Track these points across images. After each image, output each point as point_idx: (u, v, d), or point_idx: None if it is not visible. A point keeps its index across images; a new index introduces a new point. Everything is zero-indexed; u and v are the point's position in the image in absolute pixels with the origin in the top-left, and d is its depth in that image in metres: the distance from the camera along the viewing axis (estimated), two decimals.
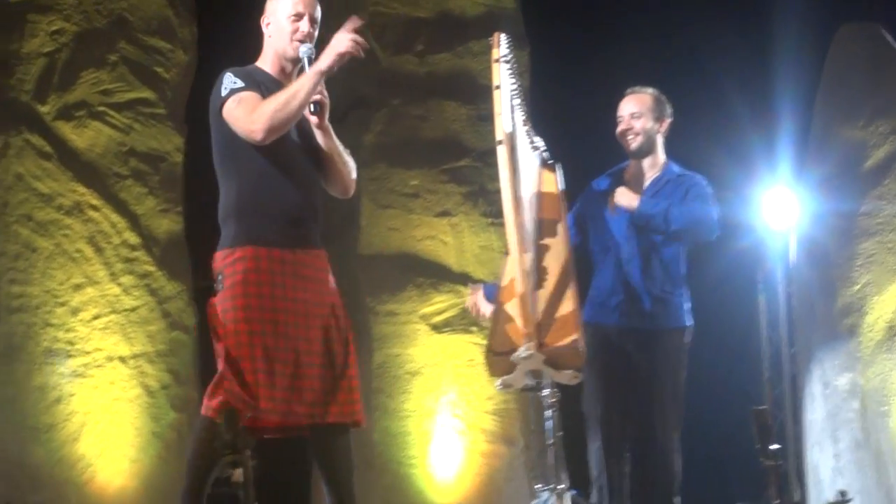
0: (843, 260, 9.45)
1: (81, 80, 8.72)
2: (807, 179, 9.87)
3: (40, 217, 8.52)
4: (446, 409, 9.25)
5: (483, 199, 9.52)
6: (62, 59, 8.70)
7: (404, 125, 9.60)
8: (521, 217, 5.88)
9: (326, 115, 5.26)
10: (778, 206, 10.15)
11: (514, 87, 5.99)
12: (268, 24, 5.34)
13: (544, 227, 6.05)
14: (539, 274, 5.89)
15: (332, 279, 5.35)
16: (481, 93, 9.51)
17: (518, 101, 6.02)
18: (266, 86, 5.19)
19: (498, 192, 9.03)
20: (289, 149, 5.20)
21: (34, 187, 8.52)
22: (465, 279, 9.36)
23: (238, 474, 4.45)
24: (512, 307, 5.81)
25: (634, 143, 6.55)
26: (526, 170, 6.06)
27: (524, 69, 9.23)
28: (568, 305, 5.81)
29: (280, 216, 5.13)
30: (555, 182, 6.22)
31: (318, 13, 5.35)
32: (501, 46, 5.92)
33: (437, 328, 9.36)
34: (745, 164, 10.40)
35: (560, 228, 6.06)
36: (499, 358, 5.82)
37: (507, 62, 5.92)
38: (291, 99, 5.06)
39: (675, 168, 6.62)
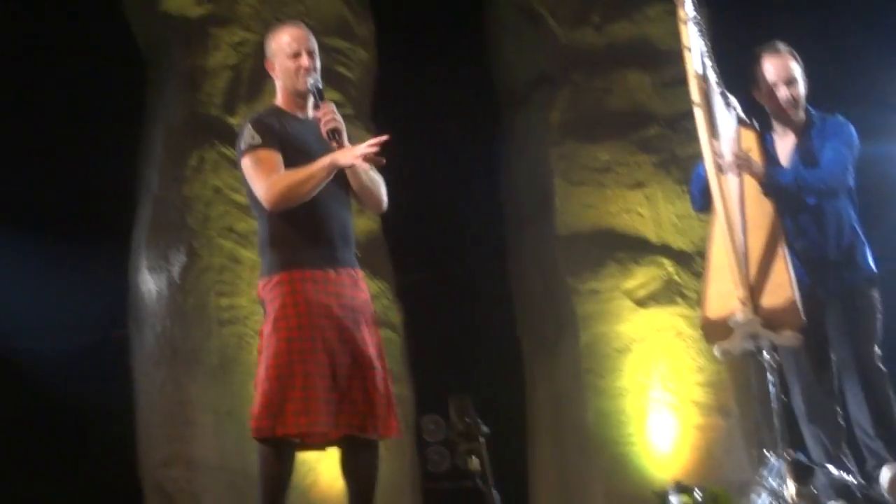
0: None
1: (268, 88, 8.74)
2: None
3: (241, 228, 8.65)
4: (658, 384, 9.13)
5: (675, 166, 9.37)
6: (247, 69, 8.82)
7: (589, 99, 9.51)
8: (723, 178, 5.78)
9: (344, 139, 5.37)
10: None
11: (705, 47, 5.86)
12: (272, 66, 5.56)
13: (747, 186, 5.93)
14: (747, 235, 5.77)
15: (368, 297, 5.51)
16: (663, 58, 9.42)
17: (709, 60, 5.89)
18: (285, 129, 5.40)
19: (690, 157, 9.05)
20: (324, 189, 5.35)
21: (233, 199, 8.65)
22: (664, 250, 9.28)
23: (475, 463, 4.47)
24: (723, 271, 5.72)
25: (798, 114, 6.16)
26: (724, 129, 5.93)
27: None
28: (780, 265, 5.72)
29: (310, 240, 5.33)
30: (755, 140, 6.07)
31: (314, 44, 5.54)
32: (688, 6, 5.81)
33: (641, 302, 9.25)
34: None
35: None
36: (715, 324, 5.72)
37: (695, 21, 5.79)
38: (305, 182, 5.27)
39: (816, 120, 6.24)
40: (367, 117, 9.11)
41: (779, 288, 5.65)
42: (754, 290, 5.64)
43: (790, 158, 6.09)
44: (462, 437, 4.40)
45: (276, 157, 5.31)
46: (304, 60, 5.44)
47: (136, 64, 9.41)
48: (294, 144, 5.36)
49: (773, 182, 5.90)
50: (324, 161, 5.26)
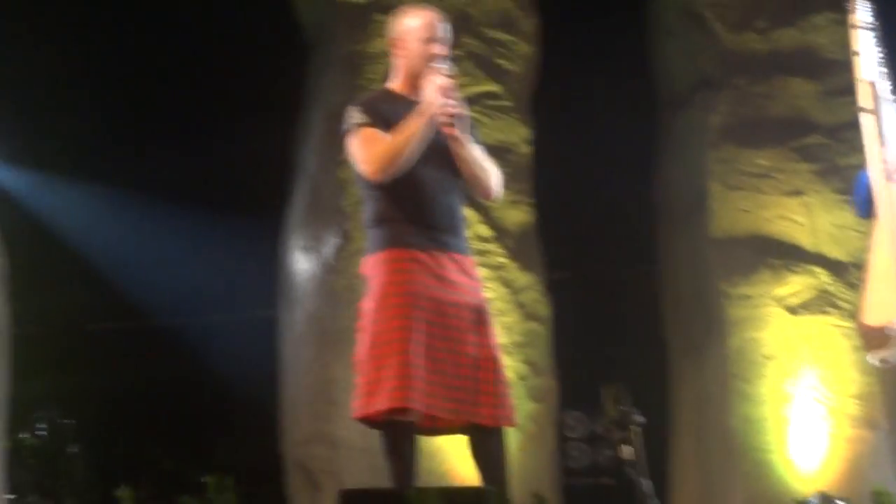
0: None
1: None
2: None
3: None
4: (806, 393, 9.04)
5: (835, 175, 9.26)
6: None
7: (750, 104, 9.42)
8: (889, 185, 5.71)
9: (462, 127, 5.29)
10: None
11: (877, 53, 5.79)
12: (398, 46, 5.48)
13: None
14: None
15: (477, 284, 5.42)
16: (827, 67, 9.33)
17: (881, 67, 5.82)
18: (395, 111, 5.31)
19: (850, 168, 8.95)
20: (423, 160, 5.30)
21: None
22: (819, 259, 9.17)
23: (628, 451, 4.47)
24: (884, 279, 5.64)
25: None
26: (892, 138, 5.85)
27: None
28: None
29: (414, 221, 5.28)
30: None
31: (447, 32, 5.46)
32: (860, 11, 5.75)
33: (792, 310, 9.15)
34: None
35: None
36: (873, 331, 5.66)
37: (867, 27, 5.73)
38: (403, 145, 5.22)
39: None
40: (526, 111, 9.14)
41: None
42: None
43: None
44: (616, 426, 4.40)
45: (376, 133, 5.27)
46: (438, 47, 5.39)
47: (300, 46, 9.55)
48: (395, 122, 5.28)
49: None
50: (417, 116, 5.21)
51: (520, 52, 9.16)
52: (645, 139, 10.00)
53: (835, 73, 9.29)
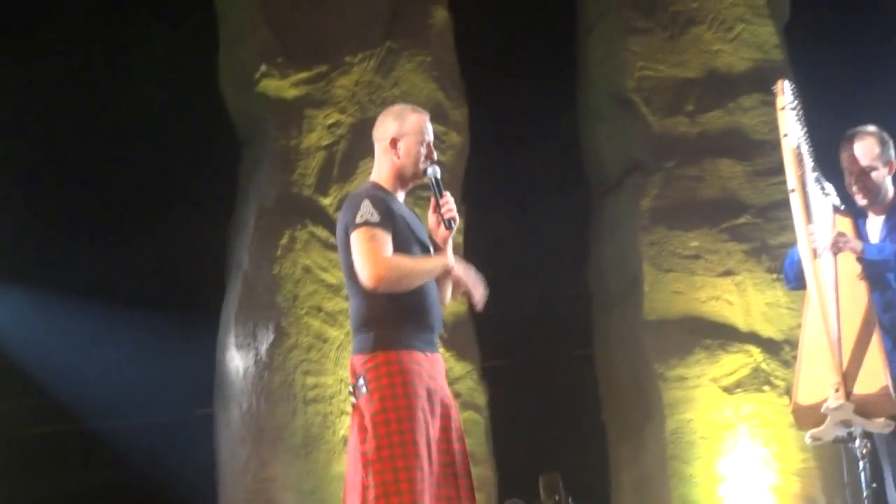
0: None
1: (360, 170, 8.91)
2: None
3: (330, 307, 8.71)
4: (744, 472, 9.04)
5: (766, 255, 9.33)
6: (341, 150, 8.93)
7: (680, 187, 9.50)
8: (818, 263, 5.77)
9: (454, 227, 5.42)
10: None
11: (802, 134, 5.89)
12: (392, 145, 5.42)
13: (841, 272, 5.91)
14: (841, 321, 5.74)
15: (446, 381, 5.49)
16: (756, 148, 9.44)
17: (806, 147, 5.91)
18: (396, 208, 5.34)
19: (781, 246, 9.03)
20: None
21: (322, 279, 8.73)
22: (753, 338, 9.21)
23: None
24: (817, 357, 5.70)
25: (865, 199, 6.15)
26: (819, 215, 5.93)
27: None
28: (874, 351, 5.68)
29: (416, 323, 5.28)
30: (850, 226, 6.07)
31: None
32: (786, 94, 5.85)
33: (728, 390, 9.17)
34: None
35: (858, 273, 5.91)
36: (807, 410, 5.69)
37: (792, 109, 5.83)
38: (419, 276, 5.28)
39: None
40: (458, 199, 9.14)
41: (872, 375, 5.61)
42: (847, 377, 5.60)
43: (880, 236, 6.09)
44: None
45: (388, 240, 5.24)
46: (432, 149, 5.44)
47: (232, 142, 9.55)
48: (401, 226, 5.32)
49: (871, 256, 5.90)
50: (440, 261, 5.32)
51: (451, 142, 9.21)
52: (579, 224, 10.06)
53: (763, 153, 9.41)
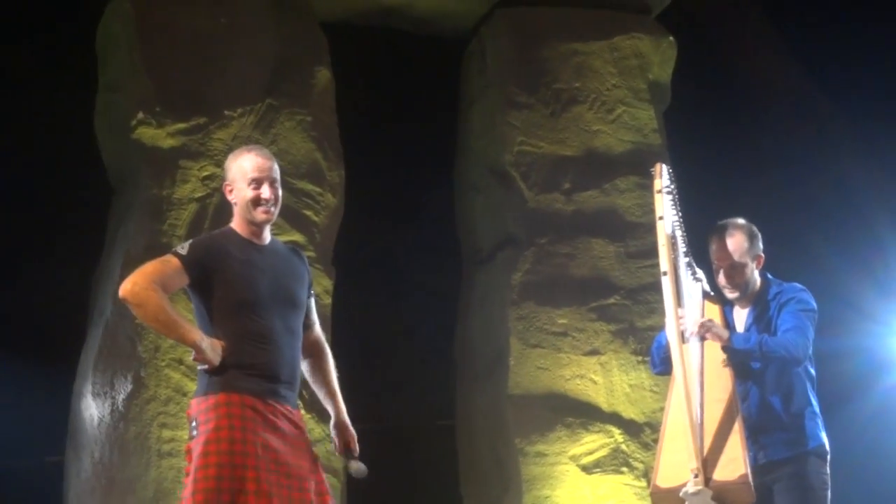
0: None
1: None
2: None
3: (191, 361, 8.50)
4: None
5: (633, 336, 9.39)
6: (213, 203, 8.82)
7: (552, 263, 9.52)
8: (685, 347, 5.81)
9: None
10: None
11: (677, 218, 5.95)
12: (230, 190, 5.46)
13: (707, 359, 5.95)
14: (704, 407, 5.78)
15: (307, 437, 5.42)
16: (629, 230, 9.52)
17: (680, 232, 5.96)
18: (231, 253, 5.30)
19: (648, 329, 9.10)
20: (270, 318, 5.29)
21: None
22: (615, 419, 9.24)
23: None
24: (678, 440, 5.71)
25: (733, 293, 6.25)
26: (689, 299, 5.98)
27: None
28: (735, 439, 5.72)
29: (253, 370, 5.20)
30: (719, 313, 6.12)
31: (277, 173, 5.45)
32: (663, 177, 5.91)
33: (586, 469, 9.17)
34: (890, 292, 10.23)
35: (723, 361, 5.95)
36: (665, 493, 5.70)
37: (669, 192, 5.89)
38: (158, 322, 5.23)
39: (773, 288, 6.29)
40: (329, 261, 9.10)
41: (732, 462, 5.64)
42: (707, 463, 5.62)
43: (745, 325, 6.16)
44: None
45: (178, 277, 5.22)
46: (266, 191, 5.34)
47: (103, 189, 9.40)
48: (235, 270, 5.26)
49: (737, 346, 5.94)
50: (193, 337, 5.19)
51: (326, 203, 9.15)
52: (448, 296, 10.05)
53: (636, 236, 9.50)
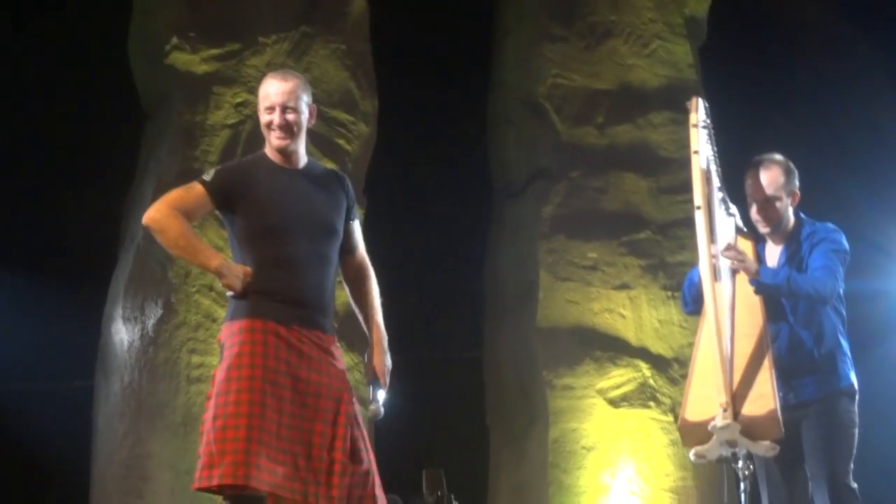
0: None
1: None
2: None
3: (220, 287, 8.54)
4: (623, 486, 9.07)
5: (663, 272, 9.39)
6: (246, 130, 8.82)
7: (583, 197, 9.51)
8: (717, 284, 5.78)
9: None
10: None
11: (712, 153, 5.90)
12: (258, 115, 5.39)
13: (739, 295, 5.93)
14: (735, 343, 5.76)
15: (339, 364, 5.31)
16: (661, 165, 9.49)
17: (715, 167, 5.92)
18: (256, 177, 5.24)
19: (678, 265, 9.09)
20: (299, 234, 5.23)
21: None
22: (643, 354, 9.26)
23: None
24: (707, 375, 5.69)
25: (767, 227, 6.17)
26: (722, 235, 5.94)
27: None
28: (765, 375, 5.69)
29: (277, 295, 5.14)
30: (752, 249, 6.08)
31: (298, 100, 5.29)
32: (699, 111, 5.86)
33: (613, 403, 9.21)
34: None
35: (755, 297, 5.93)
36: (693, 427, 5.69)
37: (705, 127, 5.83)
38: (175, 246, 5.19)
39: (806, 227, 6.23)
40: (360, 191, 9.10)
41: (761, 398, 5.61)
42: (736, 398, 5.60)
43: (778, 263, 6.12)
44: None
45: (202, 203, 5.19)
46: (277, 117, 5.25)
47: (136, 114, 9.41)
48: (257, 192, 5.21)
49: (764, 279, 5.92)
50: (214, 263, 5.16)
51: (358, 132, 9.14)
52: (480, 227, 10.04)
53: (669, 171, 9.46)
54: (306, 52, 9.10)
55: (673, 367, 9.19)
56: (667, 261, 9.36)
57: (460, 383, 10.06)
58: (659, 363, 9.25)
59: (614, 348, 9.28)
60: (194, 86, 8.86)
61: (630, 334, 9.31)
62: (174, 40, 8.89)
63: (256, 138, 8.64)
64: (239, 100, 8.88)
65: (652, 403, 9.18)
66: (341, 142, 9.07)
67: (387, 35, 9.58)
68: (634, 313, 9.34)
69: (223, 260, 5.20)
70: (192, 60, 8.90)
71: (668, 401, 9.11)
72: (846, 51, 11.77)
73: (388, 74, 9.47)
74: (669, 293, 9.29)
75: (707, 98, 8.97)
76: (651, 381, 9.22)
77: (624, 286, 9.39)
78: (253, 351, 5.08)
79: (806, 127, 10.45)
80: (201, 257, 5.22)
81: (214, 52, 8.92)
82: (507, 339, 9.67)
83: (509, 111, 9.99)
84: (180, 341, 8.52)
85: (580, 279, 9.39)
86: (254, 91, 8.81)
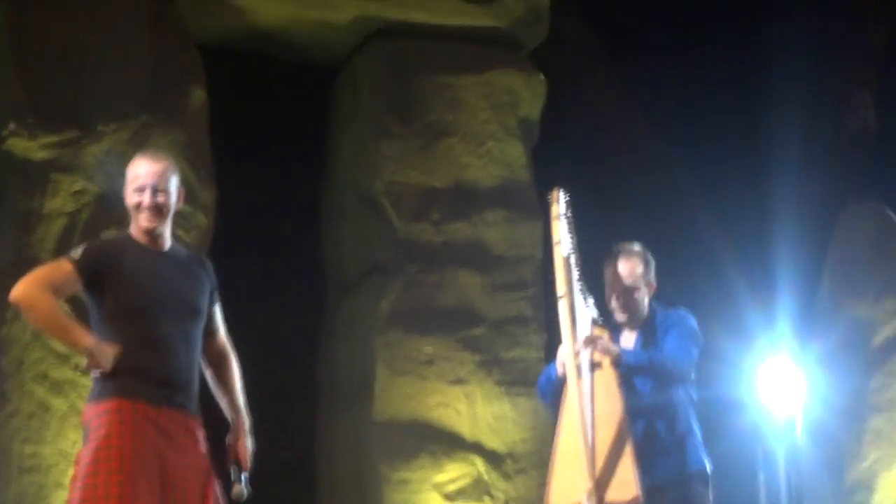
0: (850, 436, 9.49)
1: None
2: (811, 354, 9.96)
3: (56, 376, 8.45)
4: None
5: (497, 368, 9.50)
6: (83, 218, 8.73)
7: (420, 293, 9.60)
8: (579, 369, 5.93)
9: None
10: (780, 381, 10.10)
11: (571, 243, 6.06)
12: (125, 198, 5.45)
13: (598, 384, 6.08)
14: (597, 430, 5.90)
15: (202, 446, 5.31)
16: (495, 263, 9.65)
17: (574, 257, 6.08)
18: (124, 257, 5.28)
19: (512, 361, 9.23)
20: (165, 324, 5.25)
21: (50, 346, 8.46)
22: (477, 449, 9.33)
23: None
24: (570, 462, 5.81)
25: (624, 315, 6.39)
26: (581, 327, 6.10)
27: (536, 240, 9.44)
28: (627, 462, 5.83)
29: (145, 376, 5.16)
30: (608, 338, 6.25)
31: (168, 182, 5.38)
32: (560, 203, 6.03)
33: (449, 497, 9.25)
34: (743, 336, 10.48)
35: (614, 384, 6.08)
36: None
37: (566, 218, 6.00)
38: (45, 323, 5.31)
39: (659, 314, 6.45)
40: None
41: (624, 485, 5.77)
42: (599, 484, 5.73)
43: (634, 348, 6.32)
44: None
45: (70, 281, 5.20)
46: (146, 198, 5.28)
47: None
48: (127, 275, 5.22)
49: (628, 360, 6.09)
50: (81, 341, 5.17)
51: (196, 223, 9.10)
52: (315, 323, 10.04)
53: (503, 269, 9.61)
54: (146, 142, 9.04)
55: (506, 463, 9.29)
56: (501, 356, 9.48)
57: (293, 479, 9.97)
58: (493, 458, 9.33)
59: (449, 442, 9.34)
60: (31, 172, 8.74)
61: (465, 429, 9.38)
62: (11, 126, 8.77)
63: (94, 226, 8.64)
64: (77, 187, 8.78)
65: (486, 498, 9.25)
66: (181, 232, 9.00)
67: (226, 127, 9.57)
68: (469, 408, 9.42)
69: (92, 338, 5.16)
70: (29, 147, 8.77)
71: (501, 496, 9.19)
72: (659, 158, 12.18)
73: (227, 166, 9.46)
74: (503, 388, 9.41)
75: (539, 196, 9.25)
76: (485, 476, 9.29)
77: (459, 381, 9.48)
78: (122, 431, 5.05)
79: (632, 228, 10.71)
80: (72, 335, 5.20)
81: (53, 138, 8.81)
82: (342, 433, 9.66)
83: (345, 205, 10.05)
84: (12, 431, 8.33)
85: (417, 373, 9.44)
86: (92, 179, 8.80)
